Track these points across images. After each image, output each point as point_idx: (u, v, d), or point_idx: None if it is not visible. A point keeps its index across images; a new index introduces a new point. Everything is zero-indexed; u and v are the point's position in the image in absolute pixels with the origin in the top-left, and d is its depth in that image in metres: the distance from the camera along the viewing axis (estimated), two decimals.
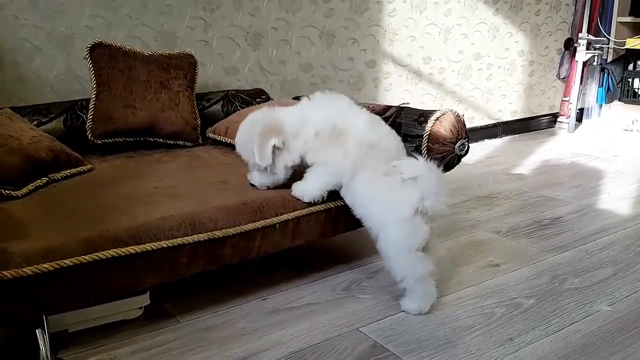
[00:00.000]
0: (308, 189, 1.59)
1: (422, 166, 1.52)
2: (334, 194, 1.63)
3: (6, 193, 1.55)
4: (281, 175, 1.61)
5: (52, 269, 1.22)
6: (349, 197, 1.61)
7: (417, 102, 3.27)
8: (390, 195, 1.52)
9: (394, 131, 1.66)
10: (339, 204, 1.66)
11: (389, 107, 2.04)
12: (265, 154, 1.55)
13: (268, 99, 2.43)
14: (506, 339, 1.46)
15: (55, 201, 1.53)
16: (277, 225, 1.55)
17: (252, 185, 1.65)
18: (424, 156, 1.84)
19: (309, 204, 1.61)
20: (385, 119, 1.98)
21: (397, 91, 3.22)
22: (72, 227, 1.35)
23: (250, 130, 1.59)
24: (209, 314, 1.58)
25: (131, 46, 2.14)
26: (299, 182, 1.61)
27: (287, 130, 1.57)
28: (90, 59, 1.99)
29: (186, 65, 2.15)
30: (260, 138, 1.55)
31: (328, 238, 1.77)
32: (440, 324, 1.53)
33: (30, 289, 1.21)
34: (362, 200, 1.57)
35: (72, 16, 2.15)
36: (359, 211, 1.60)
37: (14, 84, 2.08)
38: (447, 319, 1.56)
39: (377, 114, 2.03)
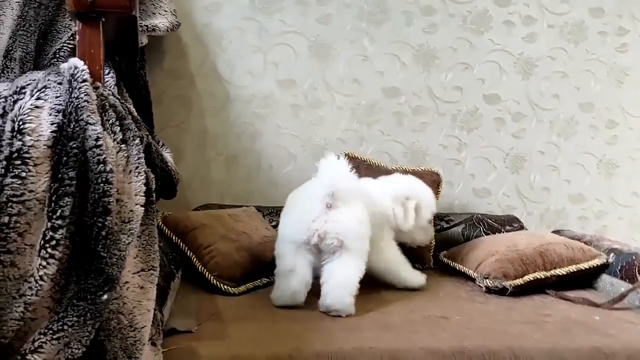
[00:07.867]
0: None
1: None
2: None
3: (224, 289, 1.55)
4: None
5: None
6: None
7: None
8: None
9: None
10: None
11: None
12: None
13: (521, 228, 2.08)
14: None
15: (266, 304, 1.46)
16: None
17: None
18: None
19: None
20: None
21: None
22: (266, 338, 1.23)
23: None
24: None
25: (377, 160, 2.09)
26: None
27: None
28: None
29: (429, 182, 1.98)
30: None
31: None
32: None
33: None
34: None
35: (327, 128, 2.22)
36: None
37: (266, 186, 2.21)
38: None
39: None
